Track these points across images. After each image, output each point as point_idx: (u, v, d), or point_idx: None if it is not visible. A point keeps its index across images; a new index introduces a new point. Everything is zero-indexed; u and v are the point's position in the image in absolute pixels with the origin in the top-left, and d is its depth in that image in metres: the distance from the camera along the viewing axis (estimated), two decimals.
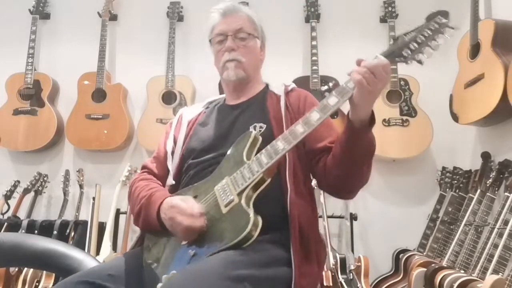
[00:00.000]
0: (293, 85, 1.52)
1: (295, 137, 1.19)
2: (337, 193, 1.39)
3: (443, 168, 2.95)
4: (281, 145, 1.20)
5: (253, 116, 1.41)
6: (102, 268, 1.24)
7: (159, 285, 1.10)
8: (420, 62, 1.19)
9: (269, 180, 1.20)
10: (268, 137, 1.28)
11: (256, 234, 1.11)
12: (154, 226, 1.28)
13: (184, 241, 1.20)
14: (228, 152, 1.31)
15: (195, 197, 1.28)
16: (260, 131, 1.32)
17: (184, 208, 1.21)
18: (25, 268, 2.61)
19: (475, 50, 2.52)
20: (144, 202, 1.33)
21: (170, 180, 1.44)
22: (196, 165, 1.39)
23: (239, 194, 1.18)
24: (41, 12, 3.43)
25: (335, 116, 2.79)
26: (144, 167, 1.53)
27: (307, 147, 1.37)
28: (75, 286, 1.12)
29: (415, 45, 1.18)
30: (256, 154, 1.23)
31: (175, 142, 1.50)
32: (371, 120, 1.23)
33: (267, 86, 1.57)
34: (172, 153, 1.48)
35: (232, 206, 1.17)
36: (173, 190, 1.41)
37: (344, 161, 1.26)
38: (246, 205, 1.15)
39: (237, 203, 1.17)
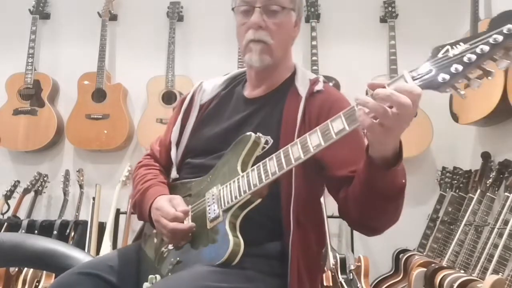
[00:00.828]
0: (321, 84, 1.23)
1: (288, 162, 0.99)
2: (359, 230, 1.17)
3: (443, 168, 2.95)
4: (273, 167, 1.01)
5: (265, 121, 1.22)
6: (102, 259, 1.22)
7: (145, 284, 1.11)
8: (461, 95, 0.83)
9: (258, 201, 1.06)
10: (275, 150, 1.07)
11: (236, 259, 1.02)
12: (147, 222, 1.25)
13: (171, 246, 1.15)
14: (226, 153, 1.17)
15: (189, 195, 1.21)
16: (265, 141, 1.12)
17: (167, 210, 1.12)
18: (25, 268, 2.61)
19: None
20: (139, 197, 1.26)
21: (174, 173, 1.31)
22: (193, 166, 1.29)
23: (225, 211, 1.07)
24: (41, 12, 3.43)
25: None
26: (150, 149, 1.43)
27: (327, 173, 1.14)
28: (76, 277, 1.11)
29: (459, 67, 0.80)
30: (253, 164, 1.09)
31: (182, 131, 1.33)
32: (398, 155, 0.95)
33: (293, 74, 1.29)
34: (178, 143, 1.32)
35: (216, 224, 1.08)
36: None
37: (364, 202, 1.03)
38: (230, 228, 1.05)
39: (221, 222, 1.07)
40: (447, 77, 0.81)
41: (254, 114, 1.25)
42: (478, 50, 0.79)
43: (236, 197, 1.06)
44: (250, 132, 1.12)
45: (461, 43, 0.82)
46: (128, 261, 1.22)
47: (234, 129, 1.23)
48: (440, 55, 0.84)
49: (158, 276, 1.12)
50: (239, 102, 1.30)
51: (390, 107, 0.83)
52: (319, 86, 1.22)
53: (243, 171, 1.09)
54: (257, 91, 1.29)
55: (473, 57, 0.79)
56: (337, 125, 0.92)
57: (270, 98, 1.26)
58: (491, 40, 0.78)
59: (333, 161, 1.12)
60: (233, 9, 1.27)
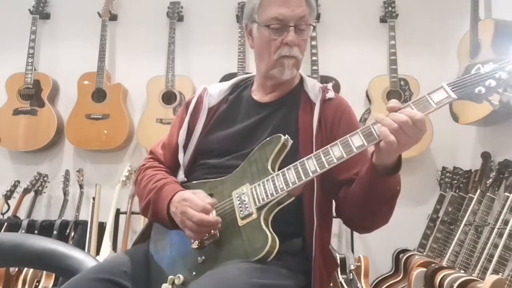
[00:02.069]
0: (332, 93, 1.33)
1: (330, 161, 1.07)
2: (352, 228, 1.32)
3: (443, 168, 2.95)
4: (312, 166, 1.08)
5: (281, 124, 1.28)
6: (113, 264, 1.19)
7: (164, 285, 1.10)
8: (494, 105, 0.98)
9: (291, 199, 1.11)
10: (292, 153, 1.17)
11: (273, 255, 1.06)
12: (163, 222, 1.22)
13: (195, 244, 1.14)
14: (252, 153, 1.21)
15: (210, 195, 1.21)
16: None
17: (196, 201, 1.13)
18: (25, 268, 2.61)
19: (475, 50, 2.52)
20: (153, 196, 1.24)
21: (181, 177, 1.32)
22: (209, 167, 1.30)
23: (259, 209, 1.11)
24: (41, 12, 3.42)
25: None
26: (151, 153, 1.42)
27: (331, 176, 1.22)
28: (90, 283, 1.09)
29: (493, 82, 0.97)
30: (280, 163, 1.15)
31: (189, 133, 1.35)
32: (397, 164, 1.10)
33: (301, 81, 1.38)
34: (185, 146, 1.34)
35: (249, 221, 1.11)
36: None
37: (362, 203, 1.15)
38: (265, 224, 1.08)
39: (255, 219, 1.10)
40: (483, 90, 0.97)
41: (268, 118, 1.31)
42: (507, 69, 0.96)
43: (272, 194, 1.10)
44: (279, 134, 1.18)
45: (490, 63, 0.98)
46: (139, 265, 1.20)
47: (250, 131, 1.30)
48: (473, 71, 1.00)
49: (181, 276, 1.11)
50: (251, 106, 1.36)
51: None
52: (330, 94, 1.32)
53: (273, 171, 1.14)
54: (268, 96, 1.36)
55: (504, 74, 0.96)
56: (357, 140, 1.06)
57: (283, 103, 1.33)
58: None
59: (339, 165, 1.18)
60: (254, 22, 1.30)
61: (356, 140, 1.06)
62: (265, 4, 1.27)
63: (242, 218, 1.12)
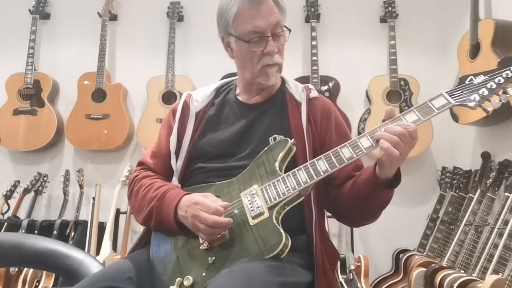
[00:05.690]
0: (315, 92, 1.39)
1: (340, 161, 1.13)
2: (342, 222, 1.40)
3: (443, 168, 2.95)
4: (323, 166, 1.14)
5: (273, 124, 1.32)
6: (118, 270, 1.17)
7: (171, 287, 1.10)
8: (487, 111, 1.10)
9: (301, 199, 1.15)
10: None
11: (286, 251, 1.09)
12: (169, 228, 1.20)
13: (205, 245, 1.15)
14: (259, 156, 1.24)
15: (217, 197, 1.22)
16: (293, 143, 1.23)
17: (208, 204, 1.14)
18: (25, 268, 2.61)
19: (475, 50, 2.52)
20: (155, 203, 1.22)
21: (176, 183, 1.32)
22: (209, 170, 1.30)
23: (271, 208, 1.14)
24: (41, 12, 3.43)
25: None
26: (141, 164, 1.40)
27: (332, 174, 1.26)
28: None
29: (486, 91, 1.09)
30: (286, 165, 1.20)
31: (179, 139, 1.36)
32: (397, 177, 1.18)
33: (283, 82, 1.42)
34: (177, 152, 1.35)
35: (261, 220, 1.13)
36: None
37: (360, 207, 1.24)
38: (277, 223, 1.11)
39: (267, 218, 1.13)
40: (478, 97, 1.09)
41: (260, 118, 1.35)
42: (496, 80, 1.09)
43: (284, 194, 1.14)
44: (286, 138, 1.23)
45: (481, 75, 1.11)
46: (143, 270, 1.20)
47: (244, 132, 1.33)
48: (467, 82, 1.12)
49: (190, 278, 1.11)
50: (240, 108, 1.39)
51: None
52: (314, 94, 1.39)
53: (281, 172, 1.19)
54: (255, 98, 1.40)
55: (494, 85, 1.09)
56: (365, 142, 1.13)
57: (271, 104, 1.38)
58: (504, 74, 1.09)
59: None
60: (230, 35, 1.33)
61: (365, 142, 1.13)
62: (239, 18, 1.28)
63: (253, 218, 1.14)
